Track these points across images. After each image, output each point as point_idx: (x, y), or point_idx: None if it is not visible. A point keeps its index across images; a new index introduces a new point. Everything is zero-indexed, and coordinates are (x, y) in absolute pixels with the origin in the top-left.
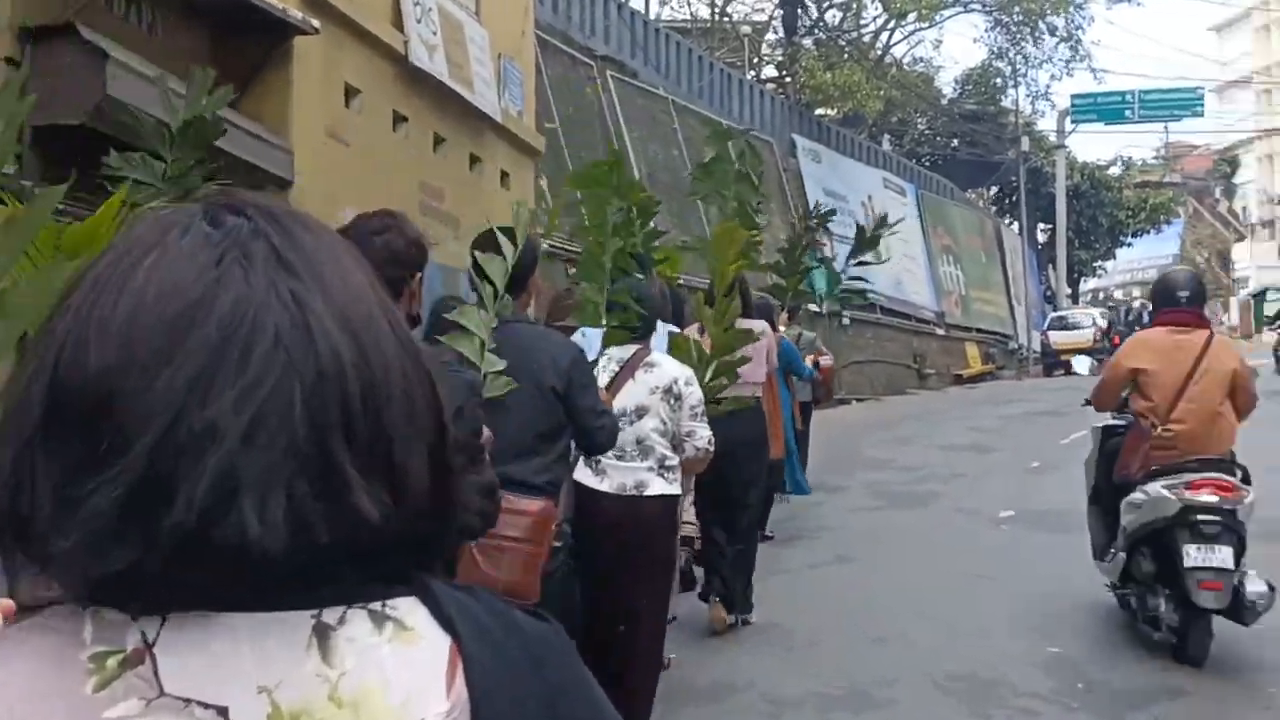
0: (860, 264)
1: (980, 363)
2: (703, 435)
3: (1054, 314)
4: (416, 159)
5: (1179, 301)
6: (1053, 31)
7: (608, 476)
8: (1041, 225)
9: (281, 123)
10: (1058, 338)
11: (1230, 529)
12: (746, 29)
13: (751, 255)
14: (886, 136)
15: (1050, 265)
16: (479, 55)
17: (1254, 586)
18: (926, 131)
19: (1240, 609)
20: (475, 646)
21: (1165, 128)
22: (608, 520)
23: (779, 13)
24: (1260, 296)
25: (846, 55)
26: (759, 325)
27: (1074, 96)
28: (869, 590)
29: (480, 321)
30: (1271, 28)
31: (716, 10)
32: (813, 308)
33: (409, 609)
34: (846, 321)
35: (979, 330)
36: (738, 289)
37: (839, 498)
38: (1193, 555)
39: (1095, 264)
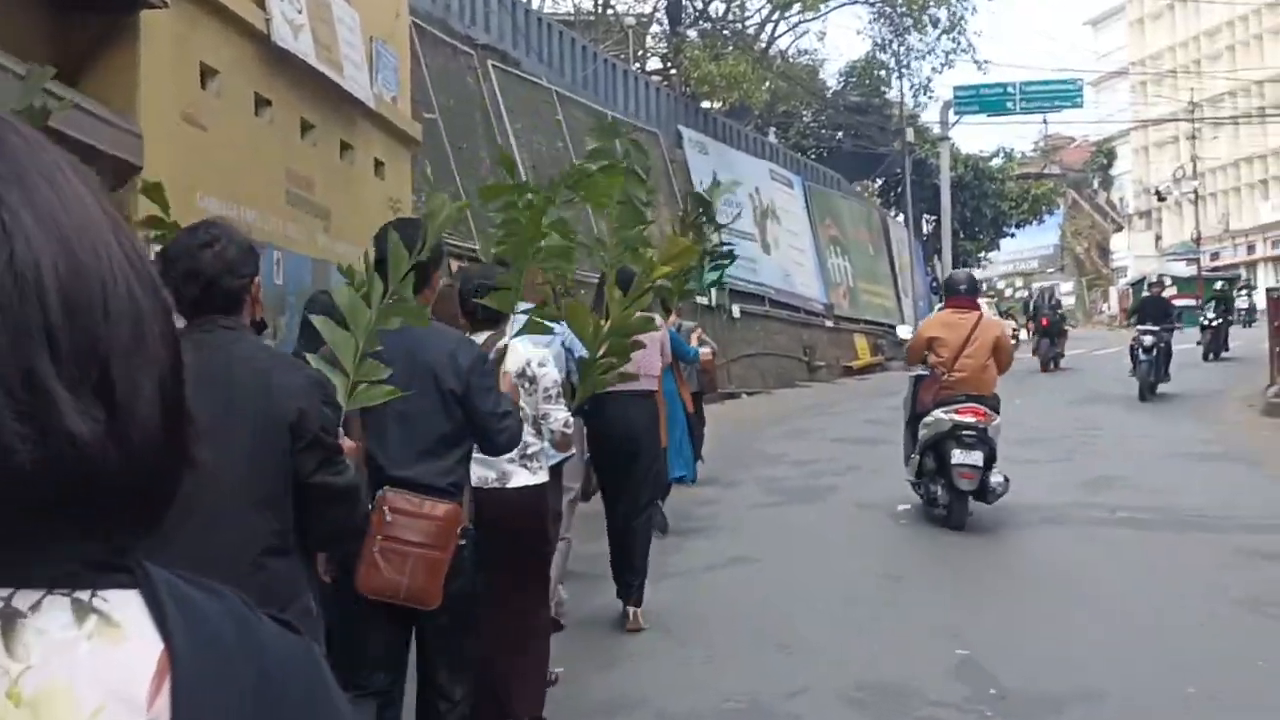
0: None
1: (869, 354)
2: (558, 417)
3: (939, 304)
4: (282, 145)
5: (960, 292)
6: (935, 23)
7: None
8: (926, 216)
9: (129, 104)
10: None
11: (983, 440)
12: (630, 21)
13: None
14: (773, 129)
15: (936, 256)
16: (349, 37)
17: (995, 479)
18: (812, 124)
19: (985, 492)
20: (191, 654)
21: (1044, 120)
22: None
23: (663, 3)
24: (1139, 285)
25: (731, 47)
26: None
27: (956, 88)
28: (769, 593)
29: (362, 318)
30: (1146, 21)
31: (600, 2)
32: (702, 300)
33: (121, 602)
34: (736, 314)
35: (867, 322)
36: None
37: (734, 493)
38: (957, 456)
39: (980, 255)
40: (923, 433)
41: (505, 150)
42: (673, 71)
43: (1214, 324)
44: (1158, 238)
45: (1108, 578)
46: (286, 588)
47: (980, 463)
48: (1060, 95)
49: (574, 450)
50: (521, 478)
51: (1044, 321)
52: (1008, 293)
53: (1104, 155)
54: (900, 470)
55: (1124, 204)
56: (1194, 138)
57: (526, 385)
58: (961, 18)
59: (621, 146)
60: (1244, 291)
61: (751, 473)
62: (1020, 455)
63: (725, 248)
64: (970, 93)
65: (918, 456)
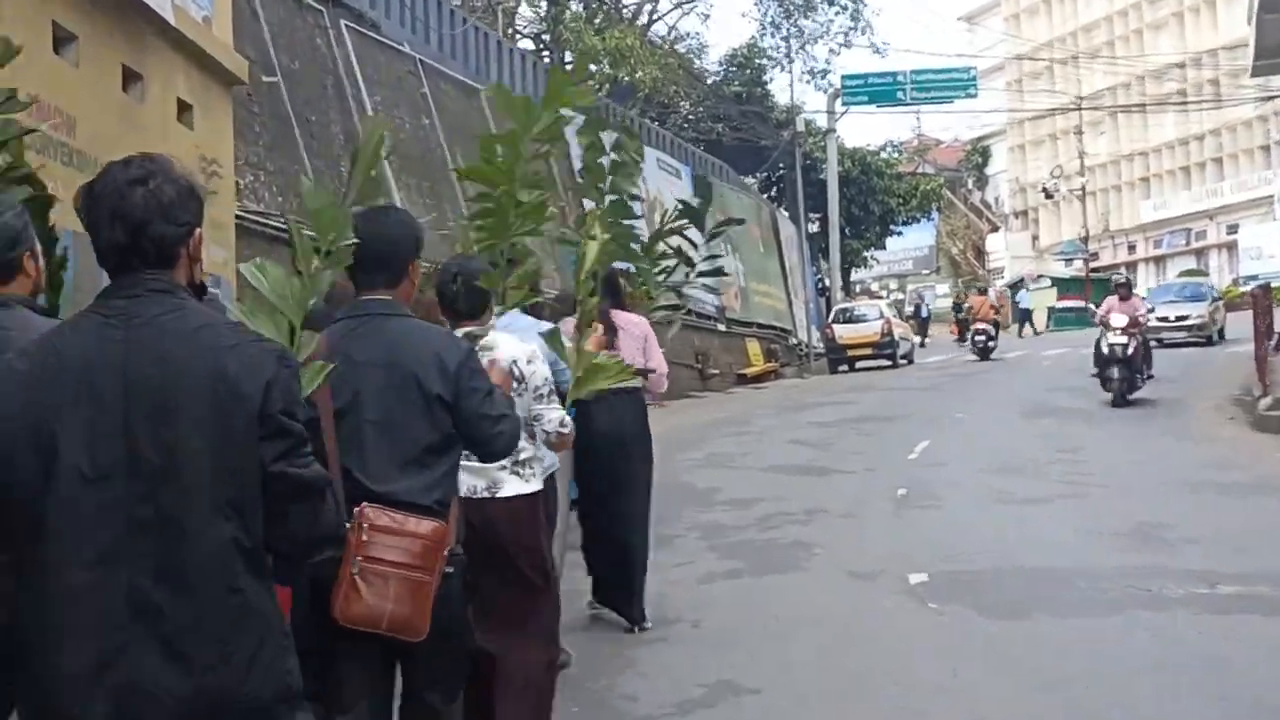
0: (710, 257)
1: (763, 360)
2: (552, 417)
3: (838, 306)
4: (21, 64)
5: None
6: (831, 1)
7: None
8: (810, 214)
9: None
10: (843, 332)
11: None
12: None
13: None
14: (650, 119)
15: (822, 256)
16: None
17: None
18: (690, 116)
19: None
20: None
21: (918, 118)
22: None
23: None
24: (1017, 286)
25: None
26: (642, 319)
27: (845, 77)
28: None
29: (292, 295)
30: (1021, 16)
31: None
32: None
33: None
34: None
35: (759, 325)
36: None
37: (673, 556)
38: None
39: (865, 254)
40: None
41: (383, 130)
42: (548, 48)
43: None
44: (1034, 238)
45: None
46: (263, 613)
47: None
48: (953, 84)
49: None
50: (513, 486)
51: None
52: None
53: (979, 154)
54: (881, 515)
55: (1000, 203)
56: (1080, 132)
57: (515, 385)
58: None
59: (610, 138)
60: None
61: (684, 521)
62: (1011, 491)
63: (710, 260)
64: (859, 82)
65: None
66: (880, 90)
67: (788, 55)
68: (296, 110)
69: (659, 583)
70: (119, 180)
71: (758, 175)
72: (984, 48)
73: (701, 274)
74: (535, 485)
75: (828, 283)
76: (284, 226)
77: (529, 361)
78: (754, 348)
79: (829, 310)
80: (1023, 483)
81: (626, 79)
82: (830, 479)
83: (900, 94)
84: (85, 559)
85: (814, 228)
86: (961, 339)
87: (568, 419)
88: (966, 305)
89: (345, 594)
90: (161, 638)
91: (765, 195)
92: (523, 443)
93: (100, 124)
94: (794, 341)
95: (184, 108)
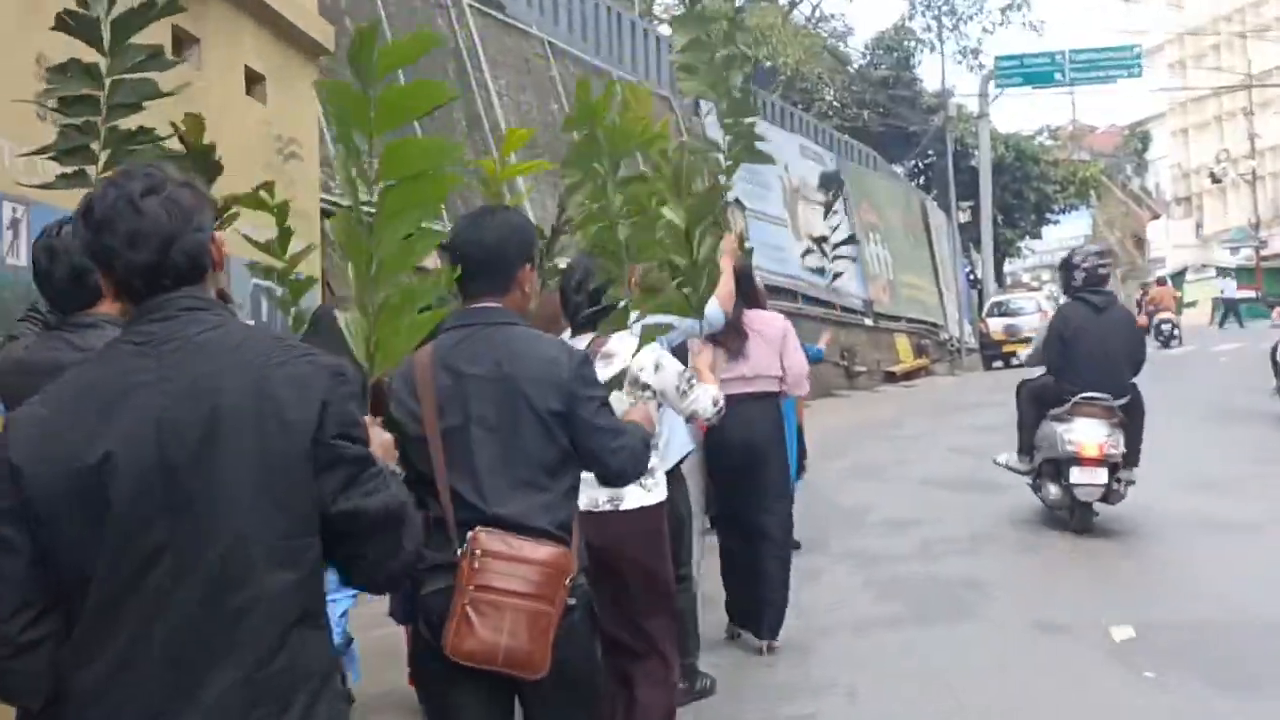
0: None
1: (912, 357)
2: (705, 404)
3: (993, 299)
4: (32, 10)
5: None
6: None
7: None
8: (960, 203)
9: None
10: (999, 326)
11: None
12: None
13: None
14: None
15: (973, 246)
16: None
17: None
18: (834, 102)
19: None
20: None
21: (1073, 102)
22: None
23: None
24: (1179, 276)
25: None
26: (778, 317)
27: (999, 58)
28: None
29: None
30: None
31: None
32: None
33: None
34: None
35: (908, 320)
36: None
37: (821, 594)
38: None
39: (1019, 243)
40: None
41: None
42: None
43: None
44: (1198, 225)
45: None
46: (319, 671)
47: None
48: (1116, 64)
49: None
50: (636, 497)
51: None
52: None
53: (1138, 139)
54: (1070, 546)
55: (1160, 190)
56: (1250, 113)
57: (639, 391)
58: None
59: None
60: None
61: (833, 547)
62: (1214, 515)
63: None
64: (1014, 63)
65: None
66: (1037, 72)
67: (939, 35)
68: None
69: (805, 630)
70: (127, 195)
71: (905, 163)
72: (1143, 26)
73: (838, 249)
74: (659, 495)
75: (978, 274)
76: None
77: (657, 369)
78: (903, 343)
79: (981, 303)
80: (1226, 504)
81: (768, 62)
82: (997, 496)
83: (1058, 75)
84: (125, 620)
85: (964, 217)
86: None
87: (720, 396)
88: (1146, 297)
89: (457, 627)
90: (207, 699)
91: (913, 183)
92: None
93: None
94: (945, 337)
95: (254, 79)
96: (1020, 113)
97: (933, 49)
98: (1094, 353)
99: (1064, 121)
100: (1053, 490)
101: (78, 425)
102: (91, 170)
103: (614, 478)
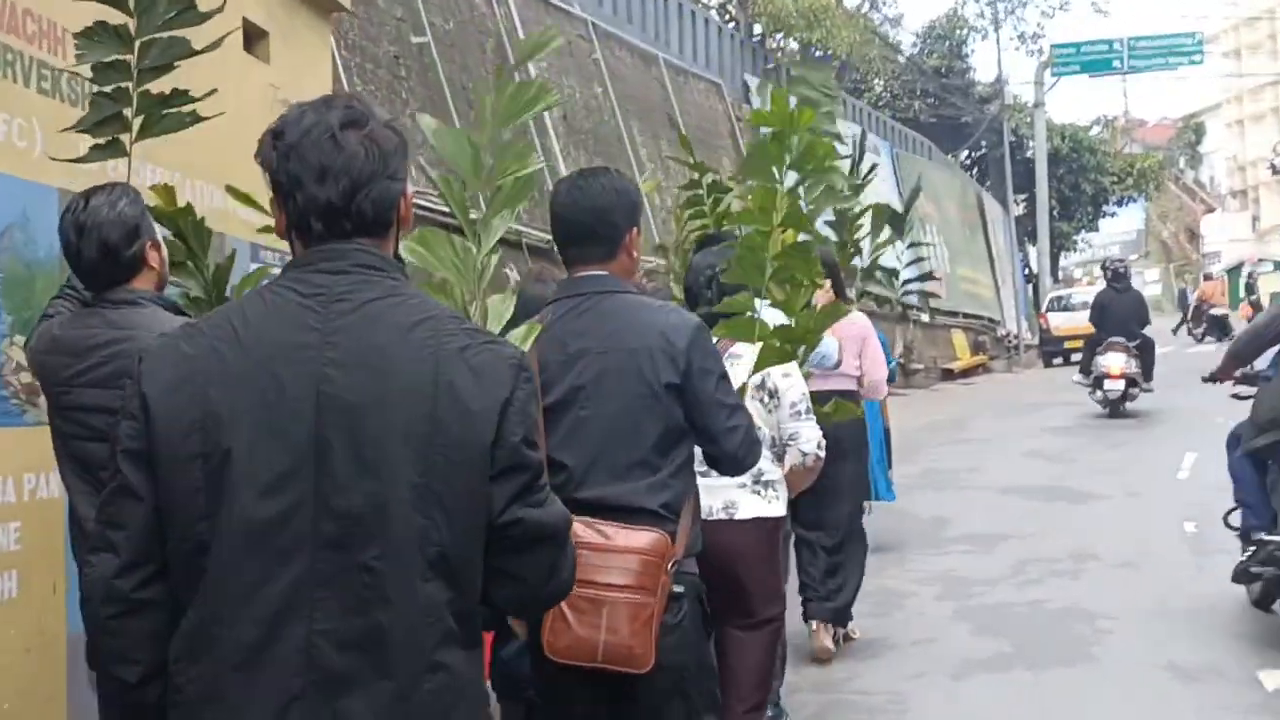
0: (916, 260)
1: (970, 353)
2: (810, 438)
3: (1052, 293)
4: None
5: None
6: None
7: None
8: (1015, 196)
9: None
10: (1059, 321)
11: None
12: None
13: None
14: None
15: (1028, 239)
16: None
17: None
18: (884, 93)
19: None
20: None
21: (1125, 94)
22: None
23: None
24: (1235, 271)
25: None
26: (860, 317)
27: (1055, 46)
28: None
29: (463, 261)
30: None
31: None
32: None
33: None
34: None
35: (965, 315)
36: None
37: (909, 627)
38: None
39: (1075, 237)
40: None
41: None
42: (732, 16)
43: None
44: (1255, 219)
45: None
46: (471, 695)
47: None
48: (1176, 51)
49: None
50: (753, 506)
51: None
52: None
53: (1191, 130)
54: (1184, 567)
55: (1215, 183)
56: None
57: (766, 399)
58: None
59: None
60: None
61: (913, 567)
62: None
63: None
64: (1070, 50)
65: None
66: (1094, 60)
67: (994, 21)
68: (449, 75)
69: (897, 674)
70: (326, 124)
71: (957, 155)
72: (1203, 12)
73: (907, 285)
74: (779, 509)
75: (1034, 268)
76: (432, 206)
77: (785, 375)
78: (960, 340)
79: (1036, 298)
80: None
81: (820, 47)
82: (1086, 507)
83: (1116, 63)
84: (255, 615)
85: (1019, 209)
86: (1197, 324)
87: (824, 441)
88: (1195, 292)
89: (552, 624)
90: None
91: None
92: (768, 464)
93: None
94: (1002, 332)
95: (256, 34)
96: (1072, 104)
97: (985, 36)
98: (1116, 316)
99: (1115, 114)
100: (1097, 394)
101: (221, 376)
102: (125, 138)
103: (727, 461)
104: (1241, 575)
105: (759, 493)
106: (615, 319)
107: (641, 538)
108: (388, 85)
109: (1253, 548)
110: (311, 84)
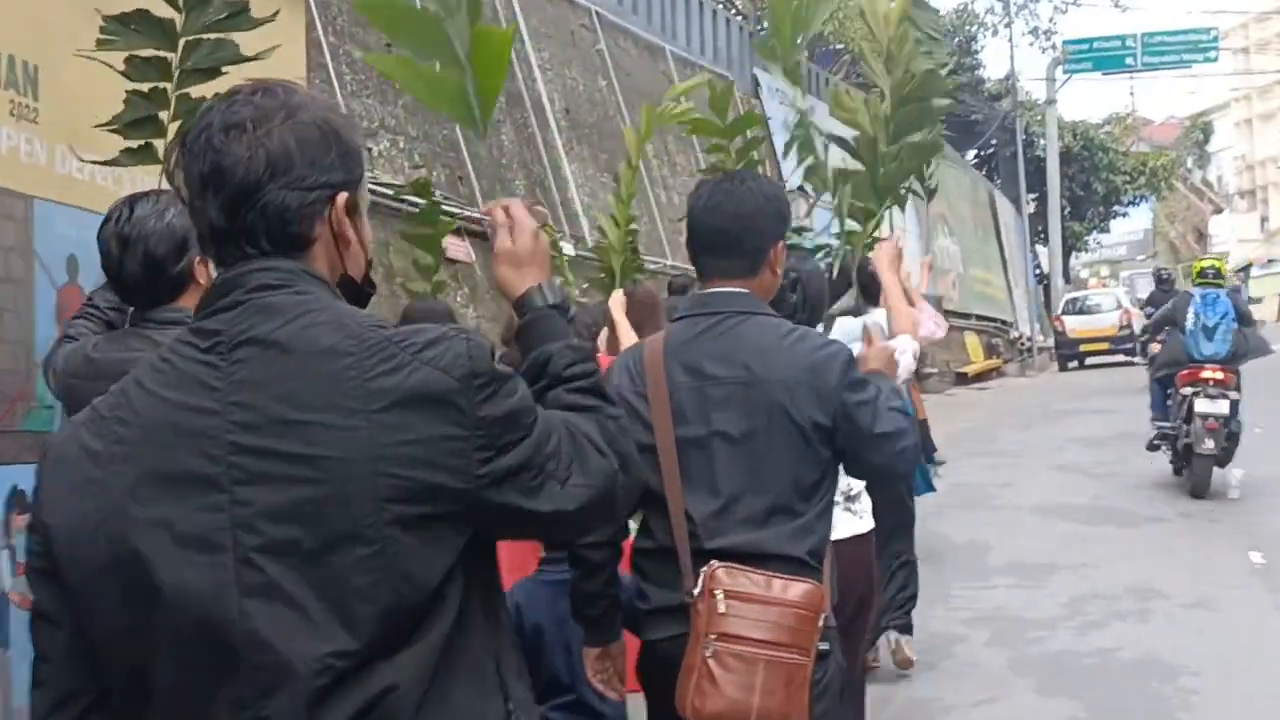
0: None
1: (983, 356)
2: (905, 348)
3: (1068, 295)
4: None
5: None
6: None
7: None
8: (1027, 195)
9: None
10: (1075, 324)
11: None
12: None
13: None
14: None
15: (1039, 239)
16: None
17: None
18: None
19: None
20: None
21: (1131, 92)
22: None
23: None
24: (1244, 272)
25: None
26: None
27: (1067, 42)
28: None
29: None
30: None
31: None
32: None
33: None
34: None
35: (978, 317)
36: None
37: (961, 679)
38: None
39: (1087, 237)
40: None
41: (529, 88)
42: (739, 4)
43: None
44: (1263, 219)
45: None
46: None
47: None
48: (1191, 47)
49: None
50: (848, 525)
51: None
52: (1091, 283)
53: (1199, 130)
54: (1262, 606)
55: (1223, 183)
56: None
57: None
58: None
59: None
60: None
61: (958, 604)
62: None
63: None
64: (1082, 46)
65: None
66: (1107, 56)
67: (1005, 15)
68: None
69: None
70: (207, 126)
71: (965, 153)
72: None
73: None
74: (868, 523)
75: (1045, 269)
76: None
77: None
78: (973, 342)
79: (1048, 300)
80: None
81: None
82: (1136, 531)
83: (1130, 60)
84: None
85: (1030, 209)
86: None
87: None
88: None
89: (698, 685)
90: None
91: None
92: (851, 479)
93: (56, 38)
94: (1015, 335)
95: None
96: (1080, 103)
97: (995, 33)
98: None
99: (1124, 112)
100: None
101: (122, 468)
102: (159, 144)
103: (895, 481)
104: (1152, 448)
105: (850, 509)
106: (755, 346)
107: (797, 589)
108: (379, 75)
109: (1155, 432)
110: (288, 59)
